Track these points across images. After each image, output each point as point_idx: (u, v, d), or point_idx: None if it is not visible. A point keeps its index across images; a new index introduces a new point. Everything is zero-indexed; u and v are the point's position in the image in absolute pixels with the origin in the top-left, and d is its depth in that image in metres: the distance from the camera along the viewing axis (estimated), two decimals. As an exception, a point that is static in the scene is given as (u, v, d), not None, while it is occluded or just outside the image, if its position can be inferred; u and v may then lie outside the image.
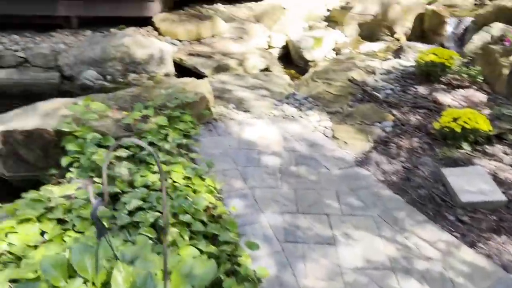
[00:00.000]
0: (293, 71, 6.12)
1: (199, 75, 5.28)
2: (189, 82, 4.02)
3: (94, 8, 6.04)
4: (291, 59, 6.33)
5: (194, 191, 2.56)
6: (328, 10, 6.81)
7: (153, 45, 5.54)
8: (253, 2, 7.53)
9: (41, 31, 6.05)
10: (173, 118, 3.35)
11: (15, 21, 6.00)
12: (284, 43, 6.56)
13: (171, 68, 5.59)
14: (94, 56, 5.20)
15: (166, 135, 3.15)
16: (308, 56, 5.96)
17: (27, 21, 6.04)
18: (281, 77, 5.03)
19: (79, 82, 5.06)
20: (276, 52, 6.62)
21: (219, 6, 7.38)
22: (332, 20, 6.56)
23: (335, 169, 3.20)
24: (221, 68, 5.36)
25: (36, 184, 2.68)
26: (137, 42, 5.46)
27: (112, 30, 6.14)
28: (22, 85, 5.00)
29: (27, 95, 4.89)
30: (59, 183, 2.66)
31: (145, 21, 6.32)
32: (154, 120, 3.25)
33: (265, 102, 4.29)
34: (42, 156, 2.97)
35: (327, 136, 3.67)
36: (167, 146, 2.97)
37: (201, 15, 6.78)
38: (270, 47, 6.60)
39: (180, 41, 6.08)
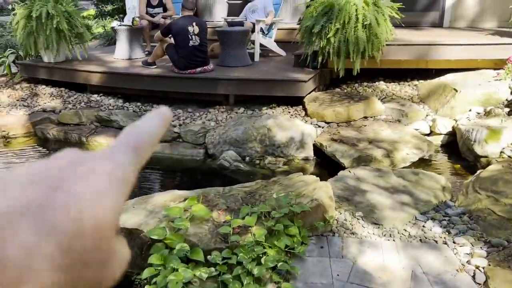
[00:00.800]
0: (457, 166, 5.05)
1: (338, 165, 4.78)
2: (311, 182, 3.58)
3: (249, 88, 6.24)
4: (458, 150, 5.26)
5: None
6: (513, 93, 5.55)
7: (294, 128, 5.33)
8: (422, 81, 6.74)
9: (202, 106, 6.54)
10: (276, 231, 2.93)
11: (181, 97, 6.64)
12: (451, 129, 5.55)
13: (310, 153, 5.25)
14: (235, 137, 5.26)
15: (263, 253, 2.74)
16: (479, 150, 4.84)
17: (193, 97, 6.61)
18: (434, 178, 4.12)
19: (218, 162, 5.13)
20: (439, 140, 5.64)
21: (381, 84, 6.83)
22: (517, 106, 5.29)
23: None
24: (362, 159, 4.75)
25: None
26: (279, 124, 5.33)
27: (264, 108, 6.21)
28: (171, 160, 5.34)
29: (174, 169, 5.19)
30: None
31: (297, 100, 6.22)
32: (253, 231, 2.89)
33: (403, 213, 3.50)
34: (138, 255, 2.90)
35: (477, 283, 2.68)
36: (256, 270, 2.55)
37: (356, 95, 6.33)
38: (432, 132, 5.67)
39: (327, 123, 5.72)
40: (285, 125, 5.35)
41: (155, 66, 6.92)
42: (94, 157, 0.26)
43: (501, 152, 4.80)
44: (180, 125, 5.89)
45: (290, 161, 5.19)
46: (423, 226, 3.33)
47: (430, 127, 5.73)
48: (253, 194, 3.52)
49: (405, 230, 3.29)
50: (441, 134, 5.62)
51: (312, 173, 4.96)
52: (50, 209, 0.21)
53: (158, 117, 0.32)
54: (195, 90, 6.43)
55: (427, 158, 5.10)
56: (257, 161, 5.19)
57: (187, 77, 6.42)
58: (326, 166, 4.98)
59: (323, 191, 3.37)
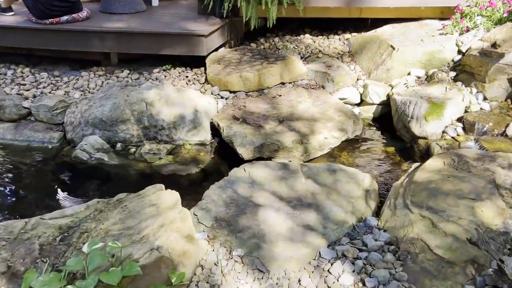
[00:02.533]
0: (390, 149, 3.99)
1: (237, 156, 3.56)
2: (164, 208, 2.33)
3: (132, 44, 4.73)
4: (393, 126, 4.19)
5: None
6: (460, 53, 4.45)
7: (186, 102, 3.99)
8: (355, 34, 5.51)
9: (77, 68, 4.99)
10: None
11: (50, 54, 5.03)
12: (386, 98, 4.44)
13: (206, 136, 3.97)
14: (101, 116, 3.85)
15: None
16: (416, 129, 3.78)
17: (67, 55, 5.02)
18: (355, 178, 3.00)
19: (73, 153, 3.73)
20: (370, 112, 4.53)
21: (306, 38, 5.53)
22: (464, 70, 4.20)
23: None
24: (268, 149, 3.55)
25: None
26: (164, 97, 3.96)
27: (155, 71, 4.78)
28: (12, 149, 3.88)
29: (12, 164, 3.73)
30: None
31: (201, 60, 4.82)
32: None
33: (303, 247, 2.37)
34: None
35: None
36: None
37: (273, 54, 5.02)
38: (363, 102, 4.55)
39: (232, 92, 4.42)
40: (173, 99, 3.99)
41: (11, 13, 5.17)
42: None
43: (443, 132, 3.77)
44: (34, 96, 4.35)
45: (178, 148, 3.89)
46: (329, 272, 2.23)
47: (361, 95, 4.59)
48: (73, 231, 2.24)
49: (300, 283, 2.17)
50: (373, 104, 4.50)
51: (206, 166, 3.73)
52: None
53: None
54: (60, 47, 4.83)
55: (353, 138, 4.00)
56: (133, 149, 3.85)
57: (50, 28, 4.78)
58: (228, 153, 3.74)
59: (176, 229, 2.14)
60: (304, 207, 2.70)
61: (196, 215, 2.63)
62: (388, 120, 4.29)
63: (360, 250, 2.38)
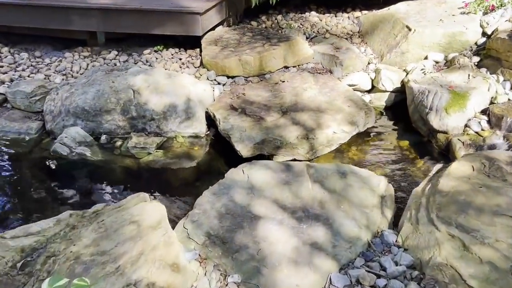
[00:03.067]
0: (404, 143, 3.60)
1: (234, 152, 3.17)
2: (145, 227, 1.96)
3: (120, 22, 4.27)
4: (408, 116, 3.79)
5: None
6: (485, 35, 3.99)
7: (178, 89, 3.57)
8: (365, 12, 5.02)
9: (60, 48, 4.54)
10: None
11: (32, 33, 4.57)
12: (400, 85, 4.03)
13: (201, 128, 3.58)
14: (83, 104, 3.44)
15: None
16: (436, 122, 3.38)
17: (46, 33, 4.56)
18: (369, 183, 2.63)
19: (52, 147, 3.35)
20: (383, 101, 4.12)
21: (312, 16, 5.05)
22: (490, 56, 3.76)
23: None
24: (270, 145, 3.15)
25: None
26: (153, 84, 3.54)
27: (146, 52, 4.33)
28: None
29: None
30: None
31: (195, 41, 4.38)
32: None
33: (310, 272, 2.02)
34: None
35: None
36: None
37: (276, 33, 4.56)
38: (374, 88, 4.13)
39: (230, 78, 3.99)
40: (163, 85, 3.57)
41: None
42: None
43: (465, 126, 3.37)
44: (12, 80, 3.93)
45: (170, 141, 3.50)
46: (341, 306, 1.88)
47: (372, 80, 4.16)
48: (38, 254, 1.87)
49: (309, 321, 1.82)
50: (386, 91, 4.09)
51: (201, 162, 3.35)
52: None
53: None
54: (41, 25, 4.37)
55: (364, 131, 3.60)
56: (119, 142, 3.45)
57: (31, 4, 4.31)
58: (225, 147, 3.34)
59: (159, 257, 1.77)
60: (311, 219, 2.34)
61: (186, 229, 2.27)
62: (402, 109, 3.88)
63: (378, 276, 2.02)
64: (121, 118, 3.47)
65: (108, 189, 2.99)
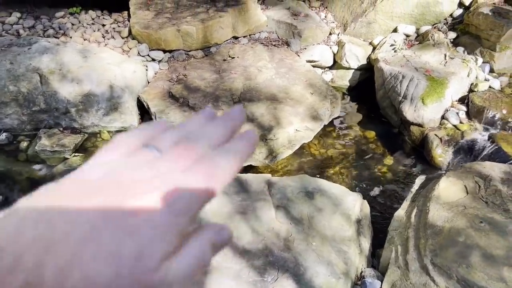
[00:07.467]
0: (371, 134, 3.15)
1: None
2: None
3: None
4: (374, 99, 3.31)
5: None
6: (462, 6, 3.49)
7: (98, 73, 2.79)
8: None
9: None
10: None
11: None
12: (366, 62, 3.51)
13: (132, 120, 2.87)
14: (-31, 96, 2.59)
15: None
16: (410, 113, 2.93)
17: None
18: (341, 206, 2.14)
19: None
20: (346, 80, 3.60)
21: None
22: (468, 32, 3.29)
23: None
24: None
25: None
26: (66, 66, 2.73)
27: (59, 15, 3.42)
28: None
29: None
30: None
31: (122, 1, 3.52)
32: None
33: None
34: None
35: None
36: None
37: (223, -7, 3.78)
38: (336, 64, 3.59)
39: (168, 52, 3.24)
40: (79, 68, 2.77)
41: None
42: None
43: (442, 118, 2.95)
44: None
45: (92, 139, 2.78)
46: None
47: (335, 55, 3.61)
48: None
49: None
50: (350, 68, 3.56)
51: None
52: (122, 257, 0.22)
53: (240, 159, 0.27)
54: None
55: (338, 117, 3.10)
56: (25, 143, 2.68)
57: None
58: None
59: None
60: (277, 267, 1.83)
61: None
62: (368, 90, 3.40)
63: None
64: (25, 112, 2.67)
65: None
